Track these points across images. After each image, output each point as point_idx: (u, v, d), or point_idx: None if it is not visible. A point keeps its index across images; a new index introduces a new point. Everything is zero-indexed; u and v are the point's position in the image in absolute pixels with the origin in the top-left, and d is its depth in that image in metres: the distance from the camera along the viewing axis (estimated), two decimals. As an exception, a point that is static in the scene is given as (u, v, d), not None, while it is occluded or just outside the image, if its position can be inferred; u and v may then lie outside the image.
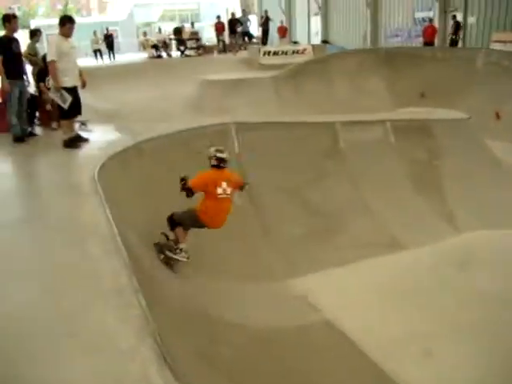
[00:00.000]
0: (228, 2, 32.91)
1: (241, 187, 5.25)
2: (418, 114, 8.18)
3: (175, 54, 20.78)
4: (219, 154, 4.93)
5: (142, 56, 20.76)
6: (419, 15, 21.15)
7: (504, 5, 17.04)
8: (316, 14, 27.14)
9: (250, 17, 24.22)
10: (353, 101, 12.54)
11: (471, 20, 19.03)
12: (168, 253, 4.98)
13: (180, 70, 15.28)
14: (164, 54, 20.01)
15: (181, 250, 4.95)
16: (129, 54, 23.56)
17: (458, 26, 17.45)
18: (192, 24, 23.53)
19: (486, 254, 5.90)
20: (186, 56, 19.93)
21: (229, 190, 4.94)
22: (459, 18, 19.37)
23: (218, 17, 21.44)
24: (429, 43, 17.22)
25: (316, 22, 27.21)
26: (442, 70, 13.78)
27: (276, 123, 7.46)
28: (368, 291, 5.06)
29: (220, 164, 4.93)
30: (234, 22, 20.47)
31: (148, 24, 32.45)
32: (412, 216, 6.55)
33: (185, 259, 4.94)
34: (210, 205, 4.89)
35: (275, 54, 17.55)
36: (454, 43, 17.43)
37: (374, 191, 6.73)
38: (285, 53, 17.66)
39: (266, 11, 23.18)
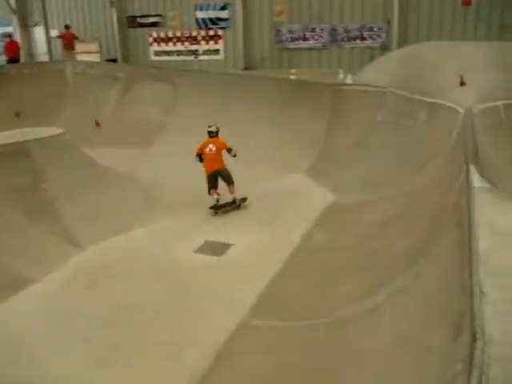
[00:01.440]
0: None
1: (228, 149, 8.15)
2: (12, 137, 7.70)
3: None
4: (208, 129, 8.28)
5: None
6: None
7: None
8: None
9: None
10: None
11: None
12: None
13: None
14: None
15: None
16: None
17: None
18: None
19: (115, 264, 6.23)
20: None
21: (214, 149, 8.06)
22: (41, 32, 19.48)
23: None
24: (13, 60, 16.54)
25: None
26: (33, 86, 13.49)
27: None
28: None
29: (210, 135, 8.25)
30: None
31: None
32: (30, 247, 6.23)
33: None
34: (204, 159, 8.14)
35: None
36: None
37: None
38: None
39: None
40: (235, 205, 8.10)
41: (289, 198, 8.51)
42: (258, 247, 6.62)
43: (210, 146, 8.08)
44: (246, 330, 4.67)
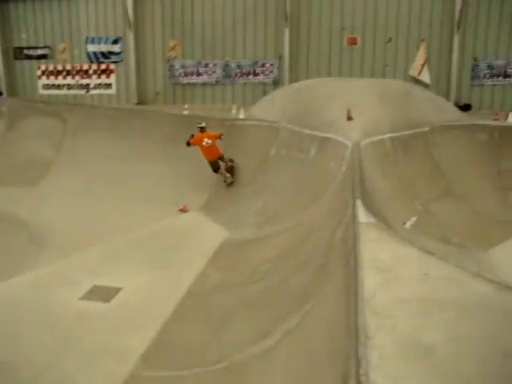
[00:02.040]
0: None
1: (219, 136, 9.93)
2: None
3: None
4: (199, 125, 9.89)
5: None
6: None
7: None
8: None
9: None
10: None
11: None
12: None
13: None
14: None
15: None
16: None
17: None
18: None
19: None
20: None
21: (210, 142, 9.80)
22: None
23: None
24: None
25: None
26: None
27: None
28: None
29: (201, 130, 9.89)
30: None
31: None
32: None
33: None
34: (203, 150, 9.90)
35: None
36: None
37: None
38: None
39: None
40: (233, 168, 10.14)
41: (182, 236, 8.23)
42: (149, 290, 6.25)
43: (206, 139, 9.85)
44: (136, 382, 4.29)
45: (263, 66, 16.65)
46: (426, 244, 6.24)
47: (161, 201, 9.33)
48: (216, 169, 9.99)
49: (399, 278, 3.46)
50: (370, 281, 3.39)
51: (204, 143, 9.82)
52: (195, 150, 9.93)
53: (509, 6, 15.79)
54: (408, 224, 6.95)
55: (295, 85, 12.78)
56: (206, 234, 8.28)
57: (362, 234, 4.03)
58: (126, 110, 14.24)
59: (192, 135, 9.96)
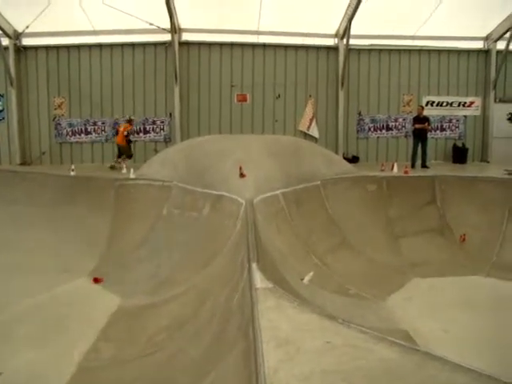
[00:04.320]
0: None
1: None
2: None
3: None
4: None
5: None
6: None
7: None
8: None
9: None
10: None
11: None
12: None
13: None
14: None
15: None
16: None
17: None
18: None
19: None
20: None
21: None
22: None
23: None
24: None
25: None
26: None
27: None
28: None
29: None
30: None
31: None
32: None
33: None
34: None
35: None
36: None
37: None
38: None
39: None
40: None
41: (69, 307, 7.37)
42: (33, 371, 5.36)
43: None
44: None
45: (154, 123, 16.42)
46: (325, 303, 6.15)
47: (45, 269, 8.39)
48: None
49: (301, 350, 3.17)
50: (270, 355, 3.06)
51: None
52: (83, 213, 9.24)
53: (385, 66, 17.24)
54: (306, 279, 6.82)
55: (187, 142, 12.63)
56: (97, 303, 7.51)
57: (259, 302, 3.72)
58: (7, 171, 13.11)
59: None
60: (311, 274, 6.98)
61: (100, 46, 16.32)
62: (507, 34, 16.67)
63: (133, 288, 7.73)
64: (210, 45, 16.61)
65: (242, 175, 8.32)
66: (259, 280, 4.13)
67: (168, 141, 16.25)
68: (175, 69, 15.96)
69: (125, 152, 14.62)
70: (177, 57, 15.98)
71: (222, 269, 6.22)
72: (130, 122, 14.91)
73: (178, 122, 16.19)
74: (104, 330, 6.51)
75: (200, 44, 16.60)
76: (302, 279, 6.79)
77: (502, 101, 17.83)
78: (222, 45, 16.63)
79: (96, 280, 8.18)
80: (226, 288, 5.32)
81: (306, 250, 7.84)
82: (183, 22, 16.18)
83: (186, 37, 16.54)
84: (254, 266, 4.43)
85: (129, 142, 14.79)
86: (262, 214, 7.20)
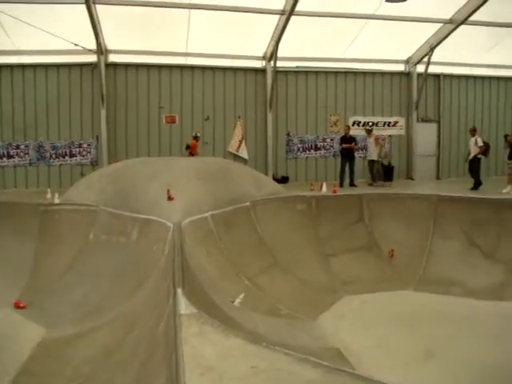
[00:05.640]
0: None
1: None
2: None
3: None
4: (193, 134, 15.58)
5: None
6: None
7: None
8: None
9: None
10: None
11: None
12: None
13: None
14: None
15: None
16: None
17: None
18: None
19: None
20: None
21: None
22: None
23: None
24: None
25: None
26: None
27: None
28: None
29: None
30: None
31: None
32: None
33: None
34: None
35: None
36: None
37: None
38: None
39: None
40: None
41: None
42: None
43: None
44: None
45: (80, 146, 15.90)
46: (257, 325, 6.09)
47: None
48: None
49: (225, 377, 3.08)
50: (193, 384, 2.95)
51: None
52: (6, 241, 8.72)
53: (312, 87, 17.73)
54: (237, 301, 6.75)
55: (114, 165, 12.27)
56: (20, 335, 7.02)
57: (183, 329, 3.60)
58: None
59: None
60: (242, 295, 6.92)
61: (23, 66, 15.66)
62: (425, 59, 17.74)
63: (59, 317, 7.32)
64: (137, 66, 16.43)
65: (170, 198, 8.16)
66: (184, 306, 4.00)
67: (95, 164, 15.77)
68: (101, 91, 15.59)
69: None
70: (103, 78, 15.64)
71: (150, 295, 6.02)
72: (196, 138, 15.55)
73: (105, 144, 15.76)
74: (27, 364, 6.10)
75: (127, 65, 16.38)
76: (233, 301, 6.71)
77: (424, 120, 18.89)
78: (149, 66, 16.51)
79: (17, 304, 7.68)
80: (153, 315, 5.14)
81: (236, 272, 7.76)
82: (110, 43, 15.91)
83: (112, 58, 16.26)
84: (179, 291, 4.30)
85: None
86: (190, 237, 7.08)
